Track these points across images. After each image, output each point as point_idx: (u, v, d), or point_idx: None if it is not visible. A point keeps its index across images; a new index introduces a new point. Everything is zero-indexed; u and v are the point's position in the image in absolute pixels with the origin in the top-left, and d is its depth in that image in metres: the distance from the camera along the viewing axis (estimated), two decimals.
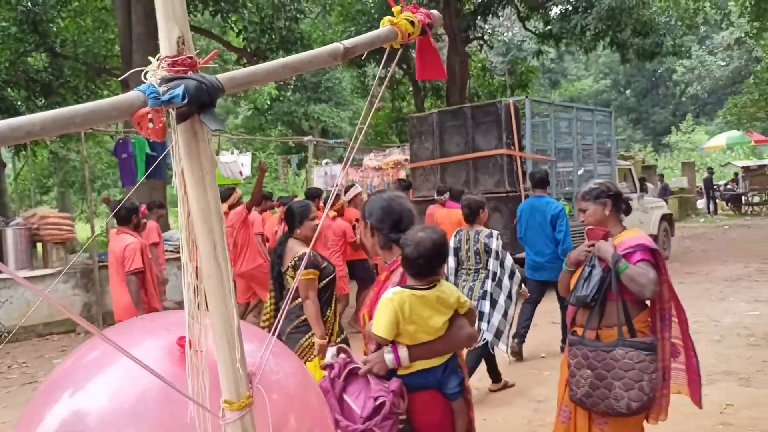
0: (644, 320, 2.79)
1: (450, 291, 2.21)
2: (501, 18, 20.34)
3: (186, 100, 0.99)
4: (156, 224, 7.23)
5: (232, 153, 11.06)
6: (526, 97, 11.42)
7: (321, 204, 7.28)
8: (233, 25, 14.02)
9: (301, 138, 14.84)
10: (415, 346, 2.14)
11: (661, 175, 22.20)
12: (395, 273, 2.28)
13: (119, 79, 12.51)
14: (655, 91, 48.04)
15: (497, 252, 4.93)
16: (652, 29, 14.18)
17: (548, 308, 6.63)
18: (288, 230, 4.09)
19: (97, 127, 8.69)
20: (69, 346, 7.77)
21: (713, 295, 8.39)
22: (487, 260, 4.95)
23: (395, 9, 1.38)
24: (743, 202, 22.53)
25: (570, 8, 14.74)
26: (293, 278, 3.78)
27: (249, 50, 13.57)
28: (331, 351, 2.21)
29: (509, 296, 4.97)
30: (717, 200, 22.99)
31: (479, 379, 5.02)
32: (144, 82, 1.02)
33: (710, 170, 24.09)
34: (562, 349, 5.62)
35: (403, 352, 2.12)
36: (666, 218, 12.13)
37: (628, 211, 3.03)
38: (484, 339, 4.86)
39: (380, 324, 2.12)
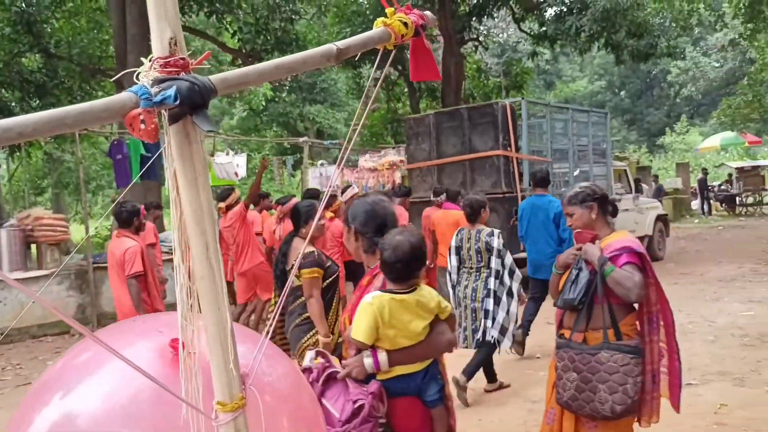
0: (631, 323, 2.78)
1: (430, 295, 2.20)
2: (496, 19, 20.43)
3: (178, 101, 0.99)
4: (153, 225, 7.22)
5: (227, 154, 11.04)
6: (522, 98, 11.44)
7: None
8: (228, 26, 14.00)
9: (297, 139, 14.83)
10: (395, 350, 2.12)
11: (656, 176, 22.28)
12: (377, 277, 2.27)
13: (113, 79, 12.46)
14: (649, 93, 48.20)
15: (499, 250, 5.00)
16: (646, 31, 14.23)
17: (544, 309, 6.64)
18: (293, 229, 4.14)
19: (91, 128, 8.68)
20: (63, 348, 7.73)
21: (708, 295, 8.43)
22: (489, 259, 5.02)
23: (388, 10, 1.38)
24: (737, 202, 22.62)
25: (565, 10, 14.78)
26: (298, 277, 3.81)
27: (244, 51, 13.55)
28: (309, 355, 2.20)
29: (510, 293, 5.02)
30: (711, 201, 23.07)
31: (475, 380, 5.02)
32: (137, 83, 1.02)
33: (704, 171, 24.20)
34: None
35: (383, 357, 2.10)
36: (661, 219, 12.18)
37: (615, 212, 3.04)
38: (492, 336, 4.92)
39: (359, 328, 2.11)
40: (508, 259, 5.07)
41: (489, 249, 5.01)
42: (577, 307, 2.78)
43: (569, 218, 3.01)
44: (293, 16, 13.49)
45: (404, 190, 8.85)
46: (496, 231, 5.11)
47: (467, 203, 5.26)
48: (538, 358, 6.06)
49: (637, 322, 2.82)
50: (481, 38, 18.87)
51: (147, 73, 1.03)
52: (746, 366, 5.37)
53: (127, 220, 5.17)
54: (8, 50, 13.16)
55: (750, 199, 22.74)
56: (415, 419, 2.17)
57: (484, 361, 5.05)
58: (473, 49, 19.49)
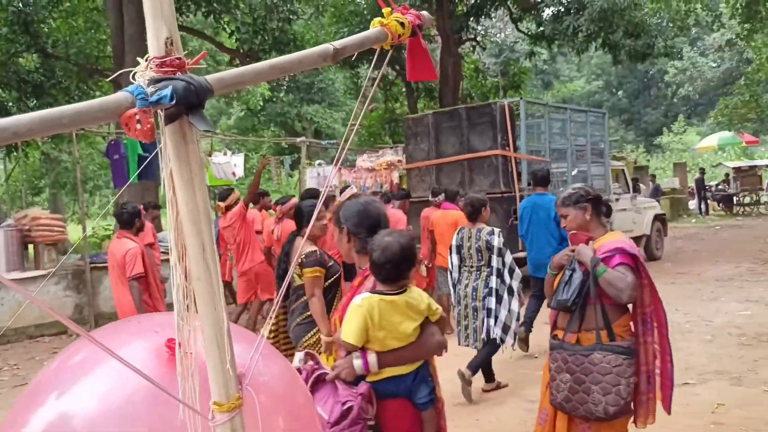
0: (625, 324, 2.77)
1: (420, 297, 2.18)
2: (493, 19, 20.44)
3: (174, 101, 0.99)
4: (151, 225, 7.21)
5: (225, 154, 11.03)
6: (520, 98, 11.45)
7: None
8: (226, 26, 13.99)
9: (294, 139, 14.83)
10: (385, 352, 2.11)
11: (653, 176, 22.32)
12: (369, 279, 2.26)
13: (110, 79, 12.44)
14: (647, 92, 48.27)
15: (499, 249, 5.03)
16: (643, 31, 14.26)
17: (544, 308, 6.64)
18: (296, 228, 4.16)
19: (88, 128, 8.66)
20: (60, 348, 7.72)
21: (705, 295, 8.44)
22: (490, 257, 5.05)
23: (385, 10, 1.38)
24: (734, 202, 22.67)
25: (562, 10, 14.80)
26: (300, 276, 3.82)
27: (242, 51, 13.53)
28: (298, 356, 2.19)
29: (510, 291, 5.05)
30: (708, 201, 23.12)
31: (473, 380, 5.02)
32: (134, 83, 1.01)
33: (702, 171, 24.25)
34: None
35: (372, 358, 2.09)
36: (659, 218, 12.20)
37: (608, 213, 3.04)
38: (495, 334, 4.94)
39: (349, 330, 2.09)
40: (508, 257, 5.11)
41: (489, 248, 5.04)
42: (570, 308, 2.77)
43: (563, 219, 3.02)
44: (291, 16, 13.48)
45: (403, 192, 8.67)
46: (497, 230, 5.15)
47: (468, 202, 5.30)
48: (536, 357, 6.07)
49: (632, 323, 2.82)
50: (478, 38, 18.89)
51: (143, 73, 1.02)
52: (743, 365, 5.38)
53: (128, 221, 5.17)
54: (5, 50, 13.13)
55: (747, 199, 22.79)
56: (405, 421, 2.15)
57: (486, 359, 5.08)
58: (471, 49, 19.50)
